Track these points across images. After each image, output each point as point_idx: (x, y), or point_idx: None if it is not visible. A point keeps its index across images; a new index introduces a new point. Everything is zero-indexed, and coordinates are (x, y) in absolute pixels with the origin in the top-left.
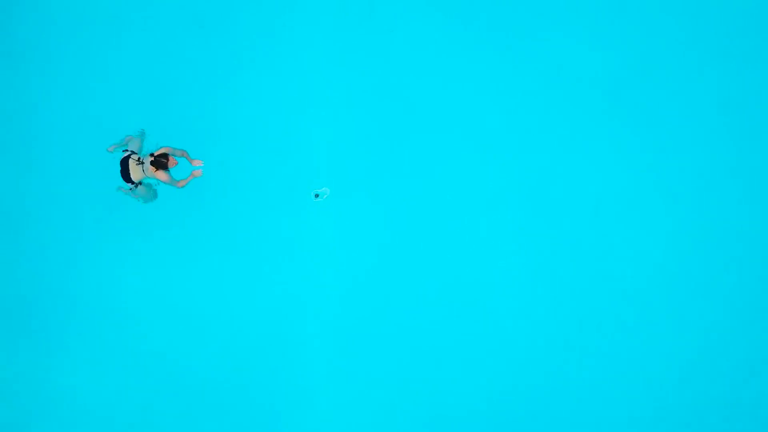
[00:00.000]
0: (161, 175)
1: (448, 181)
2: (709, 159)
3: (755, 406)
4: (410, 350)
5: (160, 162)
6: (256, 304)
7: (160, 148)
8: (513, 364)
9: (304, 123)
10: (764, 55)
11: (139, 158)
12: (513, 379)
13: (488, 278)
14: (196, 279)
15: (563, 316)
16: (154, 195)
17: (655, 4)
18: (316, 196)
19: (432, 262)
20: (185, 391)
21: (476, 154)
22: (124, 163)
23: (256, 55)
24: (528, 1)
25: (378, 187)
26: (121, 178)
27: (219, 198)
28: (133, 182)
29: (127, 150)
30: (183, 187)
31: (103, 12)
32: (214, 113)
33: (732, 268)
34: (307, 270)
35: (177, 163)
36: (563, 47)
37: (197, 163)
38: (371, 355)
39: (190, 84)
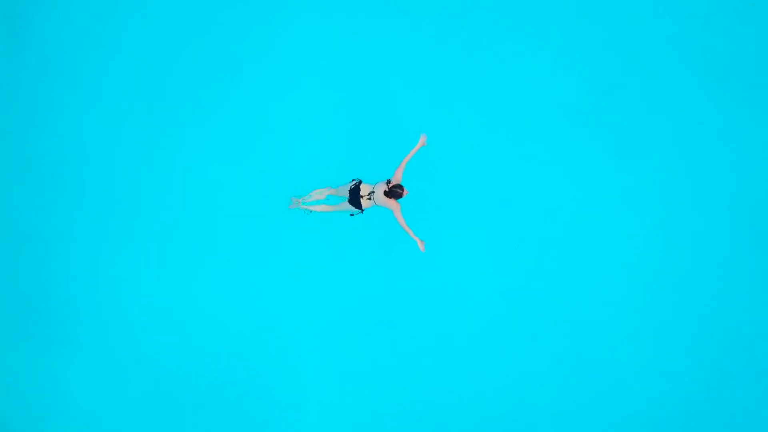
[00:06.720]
0: (393, 204)
1: (440, 184)
2: (695, 162)
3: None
4: (403, 353)
5: (395, 192)
6: (253, 307)
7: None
8: (507, 365)
9: (298, 129)
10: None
11: (368, 194)
12: (506, 380)
13: (479, 280)
14: (195, 282)
15: (549, 318)
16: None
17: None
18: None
19: (426, 263)
20: (183, 392)
21: (468, 158)
22: (355, 192)
23: (252, 61)
24: (523, 6)
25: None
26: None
27: (216, 202)
28: (362, 209)
29: (355, 179)
30: (405, 226)
31: (102, 13)
32: (211, 115)
33: (720, 270)
34: (302, 274)
35: (408, 193)
36: (558, 50)
37: (422, 140)
38: (364, 358)
39: (188, 87)
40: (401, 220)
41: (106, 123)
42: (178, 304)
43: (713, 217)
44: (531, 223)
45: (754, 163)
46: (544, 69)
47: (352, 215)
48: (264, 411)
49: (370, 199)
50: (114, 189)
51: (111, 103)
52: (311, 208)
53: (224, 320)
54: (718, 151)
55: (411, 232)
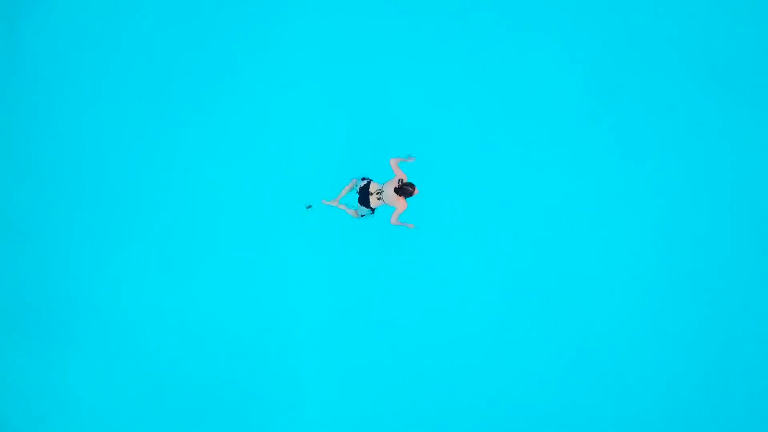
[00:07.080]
0: (401, 202)
1: (441, 183)
2: (690, 163)
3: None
4: (403, 352)
5: (406, 190)
6: (253, 306)
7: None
8: (506, 365)
9: (298, 129)
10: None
11: (378, 192)
12: (505, 380)
13: (479, 280)
14: (195, 281)
15: (549, 318)
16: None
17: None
18: (308, 207)
19: (426, 263)
20: (183, 392)
21: (468, 157)
22: (364, 191)
23: (252, 61)
24: (524, 6)
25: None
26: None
27: (216, 202)
28: (372, 209)
29: (365, 178)
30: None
31: (102, 13)
32: (210, 115)
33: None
34: (302, 274)
35: (419, 192)
36: (557, 50)
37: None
38: (363, 357)
39: (188, 87)
40: (396, 218)
41: (106, 123)
42: (178, 303)
43: (713, 218)
44: (530, 223)
45: (755, 164)
46: (544, 69)
47: (362, 216)
48: (264, 411)
49: (379, 198)
50: (114, 189)
51: (111, 103)
52: (339, 205)
53: (224, 320)
54: (717, 151)
55: (399, 223)
